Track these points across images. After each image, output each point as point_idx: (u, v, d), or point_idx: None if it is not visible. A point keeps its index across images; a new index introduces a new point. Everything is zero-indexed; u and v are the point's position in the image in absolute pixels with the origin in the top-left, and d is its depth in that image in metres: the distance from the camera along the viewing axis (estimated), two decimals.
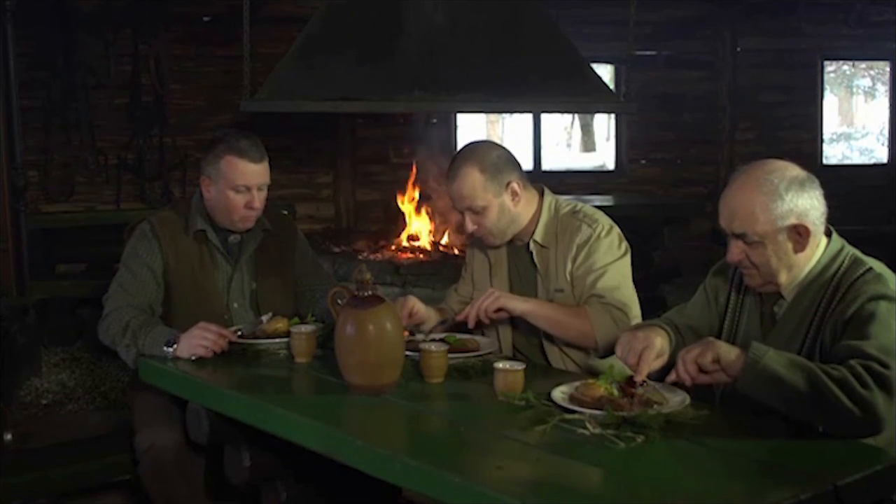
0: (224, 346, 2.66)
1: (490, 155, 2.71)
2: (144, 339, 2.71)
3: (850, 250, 2.18)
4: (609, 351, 2.59)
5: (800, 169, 2.14)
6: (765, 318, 2.23)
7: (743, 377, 1.92)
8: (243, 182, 2.90)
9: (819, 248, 2.16)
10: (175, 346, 2.64)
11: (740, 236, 2.12)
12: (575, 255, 2.69)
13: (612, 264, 2.68)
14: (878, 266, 2.13)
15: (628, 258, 2.74)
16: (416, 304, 2.74)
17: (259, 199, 2.94)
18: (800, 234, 2.11)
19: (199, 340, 2.63)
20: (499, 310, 2.63)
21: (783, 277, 2.15)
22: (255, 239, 3.05)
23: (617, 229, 2.75)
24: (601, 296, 2.64)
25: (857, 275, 2.09)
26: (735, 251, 2.15)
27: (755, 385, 1.90)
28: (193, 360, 2.62)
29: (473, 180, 2.67)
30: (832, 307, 2.09)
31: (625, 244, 2.74)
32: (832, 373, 1.88)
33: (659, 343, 2.21)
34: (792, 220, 2.09)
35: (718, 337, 2.33)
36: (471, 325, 2.67)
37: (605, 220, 2.75)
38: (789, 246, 2.11)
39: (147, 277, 2.91)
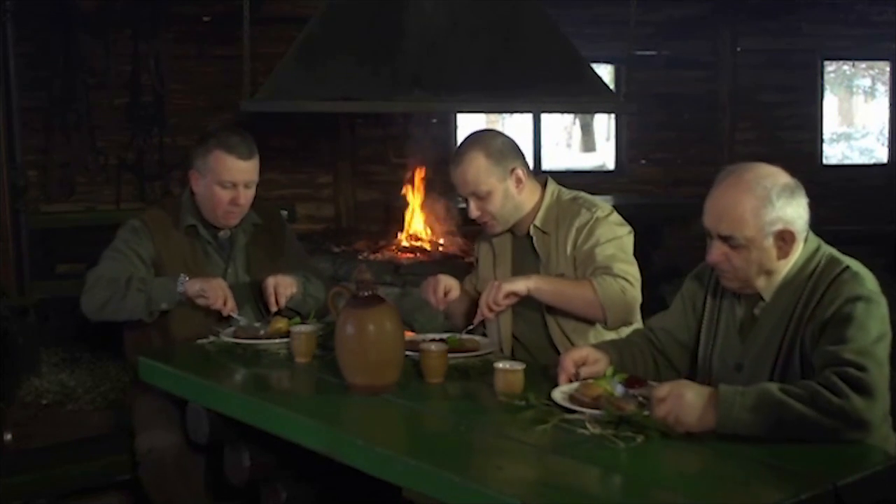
0: (227, 308, 2.80)
1: (495, 141, 2.75)
2: (154, 283, 2.83)
3: (827, 249, 2.17)
4: (618, 322, 2.65)
5: (788, 176, 2.12)
6: (745, 321, 2.22)
7: (720, 430, 1.88)
8: (230, 178, 2.91)
9: (797, 250, 2.14)
10: (187, 280, 2.81)
11: (726, 238, 2.10)
12: (575, 237, 2.73)
13: (614, 241, 2.71)
14: (855, 265, 2.12)
15: (631, 238, 2.77)
16: (447, 280, 2.75)
17: (244, 196, 2.95)
18: (784, 241, 2.09)
19: (217, 283, 2.81)
20: (507, 295, 2.63)
21: (760, 282, 2.14)
22: (245, 233, 3.07)
23: (617, 214, 2.78)
24: (607, 267, 2.65)
25: (835, 274, 2.08)
26: (716, 252, 2.13)
27: (734, 432, 1.87)
28: (192, 361, 2.63)
29: (478, 165, 2.70)
30: (811, 308, 2.08)
31: (627, 227, 2.77)
32: (801, 394, 1.85)
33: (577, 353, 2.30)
34: (779, 227, 2.08)
35: (697, 342, 2.34)
36: (489, 317, 2.70)
37: (604, 206, 2.78)
38: (773, 252, 2.10)
39: (136, 260, 2.93)
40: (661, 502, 1.67)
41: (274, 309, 2.90)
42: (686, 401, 1.90)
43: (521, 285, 2.65)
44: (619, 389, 2.07)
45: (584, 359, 2.27)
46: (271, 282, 2.92)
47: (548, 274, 2.76)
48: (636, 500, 1.71)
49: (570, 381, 2.22)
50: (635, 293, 2.67)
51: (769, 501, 1.64)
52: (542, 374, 2.36)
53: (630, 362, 2.32)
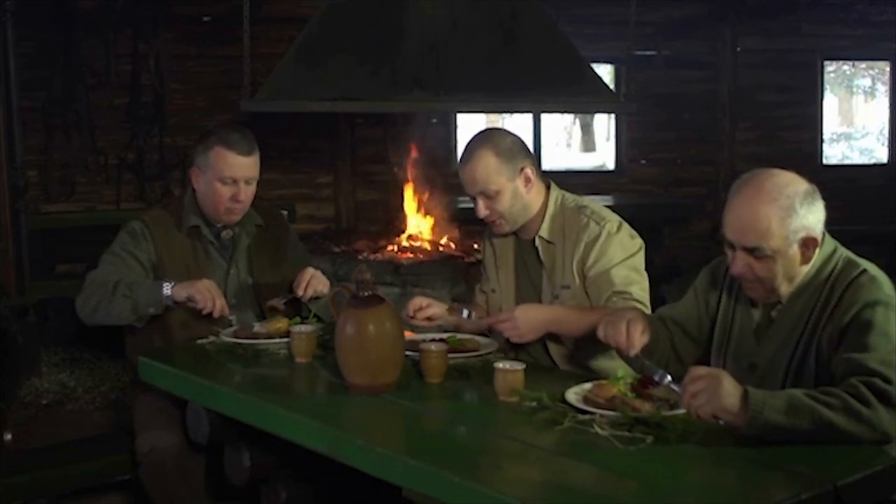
0: (217, 309, 2.75)
1: (504, 140, 2.72)
2: (139, 288, 2.80)
3: (843, 252, 2.16)
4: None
5: (805, 181, 2.11)
6: (761, 323, 2.21)
7: (747, 429, 1.85)
8: (230, 174, 2.92)
9: (816, 255, 2.13)
10: (173, 286, 2.77)
11: (751, 250, 2.07)
12: (583, 253, 2.68)
13: (627, 261, 2.68)
14: (872, 268, 2.11)
15: (642, 253, 2.74)
16: (421, 300, 2.76)
17: (245, 192, 2.95)
18: (807, 247, 2.09)
19: (203, 286, 2.76)
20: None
21: (784, 288, 2.13)
22: (248, 234, 3.07)
23: (626, 226, 2.75)
24: (625, 292, 2.62)
25: (852, 277, 2.08)
26: (740, 264, 2.10)
27: (760, 433, 1.85)
28: (192, 361, 2.62)
29: (487, 163, 2.67)
30: (828, 311, 2.07)
31: (638, 240, 2.74)
32: (832, 402, 1.84)
33: (641, 319, 2.23)
34: (803, 234, 2.07)
35: (710, 341, 2.33)
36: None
37: (612, 217, 2.74)
38: (798, 259, 2.09)
39: (133, 263, 2.92)
40: (661, 502, 1.67)
41: (300, 293, 2.91)
42: (724, 386, 1.86)
43: (543, 328, 2.62)
44: (665, 379, 2.05)
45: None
46: (310, 272, 2.94)
47: (551, 283, 2.74)
48: (633, 500, 1.70)
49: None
50: None
51: (769, 501, 1.64)
52: (544, 373, 2.36)
53: (662, 344, 2.30)
